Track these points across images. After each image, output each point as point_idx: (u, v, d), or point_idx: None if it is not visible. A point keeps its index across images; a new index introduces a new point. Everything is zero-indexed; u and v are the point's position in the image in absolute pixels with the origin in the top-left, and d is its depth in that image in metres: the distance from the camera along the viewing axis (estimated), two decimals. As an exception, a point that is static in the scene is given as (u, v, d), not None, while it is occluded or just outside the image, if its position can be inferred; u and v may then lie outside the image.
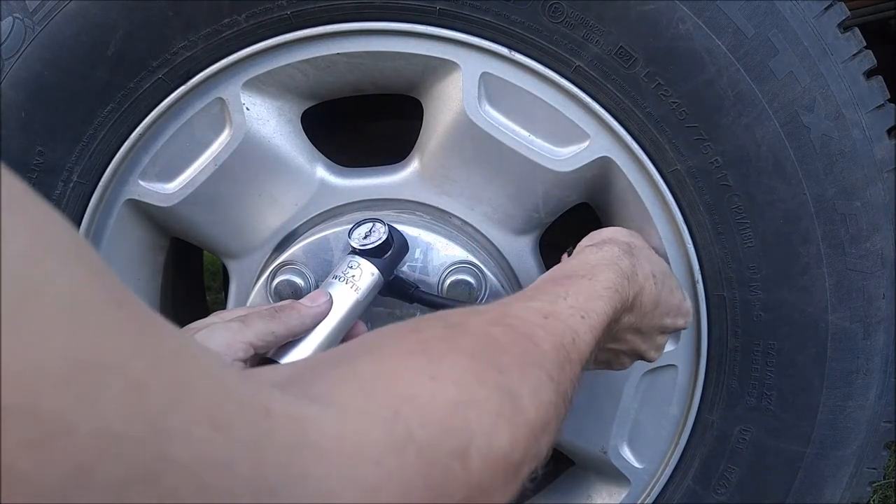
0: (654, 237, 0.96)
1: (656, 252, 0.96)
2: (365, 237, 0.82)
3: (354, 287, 0.77)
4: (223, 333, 0.67)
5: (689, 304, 0.86)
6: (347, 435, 0.39)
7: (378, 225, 0.83)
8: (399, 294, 0.86)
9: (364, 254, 0.80)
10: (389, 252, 0.82)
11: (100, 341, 0.28)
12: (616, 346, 0.77)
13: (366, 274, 0.79)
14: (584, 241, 0.84)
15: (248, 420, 0.34)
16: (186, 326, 0.73)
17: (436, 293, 0.90)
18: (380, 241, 0.81)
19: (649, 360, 0.83)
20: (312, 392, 0.41)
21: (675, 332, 0.84)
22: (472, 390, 0.46)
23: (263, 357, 0.71)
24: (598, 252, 0.75)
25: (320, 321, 0.75)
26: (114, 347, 0.29)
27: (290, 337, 0.72)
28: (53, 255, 0.28)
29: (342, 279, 0.78)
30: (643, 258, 0.79)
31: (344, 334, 0.77)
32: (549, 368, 0.53)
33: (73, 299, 0.28)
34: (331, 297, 0.76)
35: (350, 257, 0.81)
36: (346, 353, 0.49)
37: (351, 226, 0.86)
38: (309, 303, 0.76)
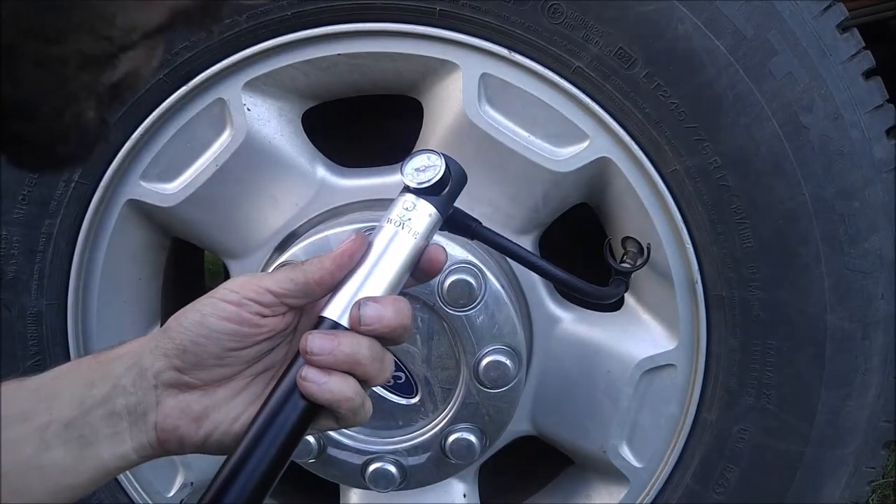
0: (654, 237, 0.97)
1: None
2: (419, 172, 0.73)
3: (412, 232, 0.71)
4: (241, 278, 0.66)
5: None
6: None
7: (433, 157, 0.74)
8: (459, 230, 0.79)
9: (420, 192, 0.73)
10: (448, 187, 0.74)
11: None
12: None
13: (423, 215, 0.72)
14: None
15: None
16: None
17: (497, 232, 0.83)
18: (437, 178, 0.73)
19: None
20: None
21: None
22: None
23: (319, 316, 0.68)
24: None
25: (344, 264, 0.68)
26: None
27: (314, 285, 0.67)
28: None
29: (397, 223, 0.72)
30: None
31: (406, 279, 0.72)
32: None
33: None
34: (364, 240, 0.70)
35: (404, 197, 0.73)
36: None
37: (405, 159, 0.75)
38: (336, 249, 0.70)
